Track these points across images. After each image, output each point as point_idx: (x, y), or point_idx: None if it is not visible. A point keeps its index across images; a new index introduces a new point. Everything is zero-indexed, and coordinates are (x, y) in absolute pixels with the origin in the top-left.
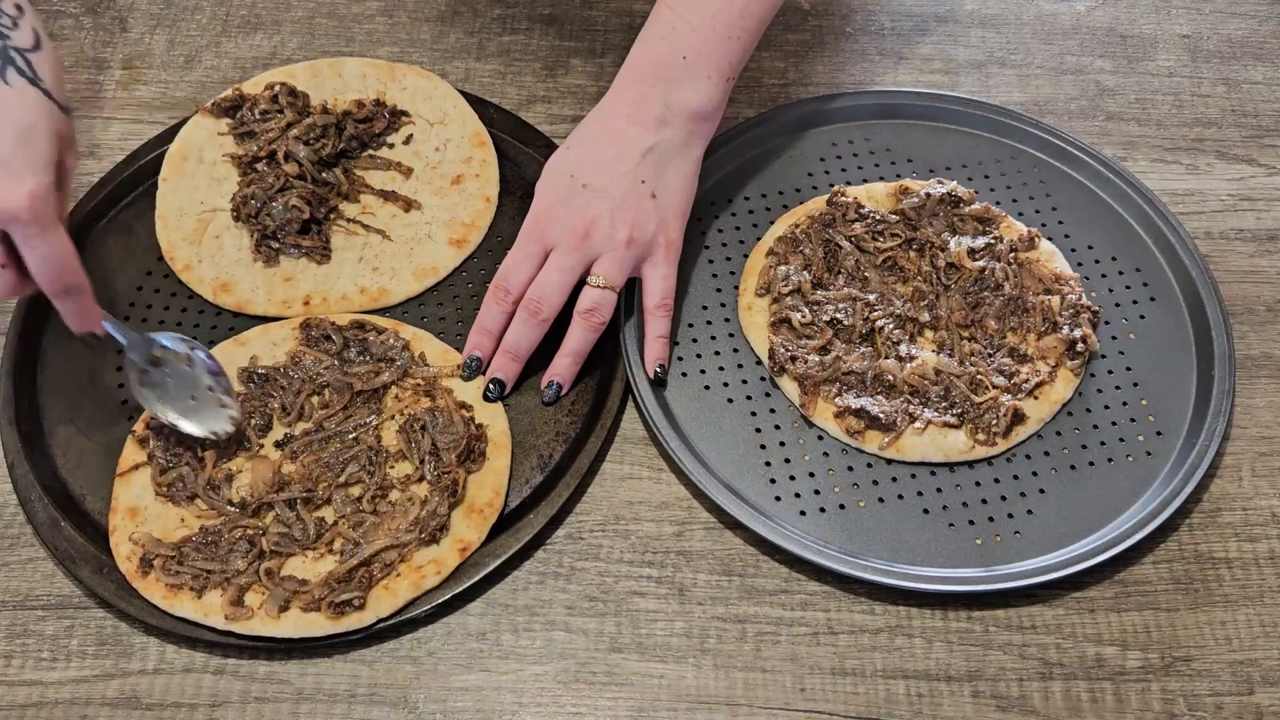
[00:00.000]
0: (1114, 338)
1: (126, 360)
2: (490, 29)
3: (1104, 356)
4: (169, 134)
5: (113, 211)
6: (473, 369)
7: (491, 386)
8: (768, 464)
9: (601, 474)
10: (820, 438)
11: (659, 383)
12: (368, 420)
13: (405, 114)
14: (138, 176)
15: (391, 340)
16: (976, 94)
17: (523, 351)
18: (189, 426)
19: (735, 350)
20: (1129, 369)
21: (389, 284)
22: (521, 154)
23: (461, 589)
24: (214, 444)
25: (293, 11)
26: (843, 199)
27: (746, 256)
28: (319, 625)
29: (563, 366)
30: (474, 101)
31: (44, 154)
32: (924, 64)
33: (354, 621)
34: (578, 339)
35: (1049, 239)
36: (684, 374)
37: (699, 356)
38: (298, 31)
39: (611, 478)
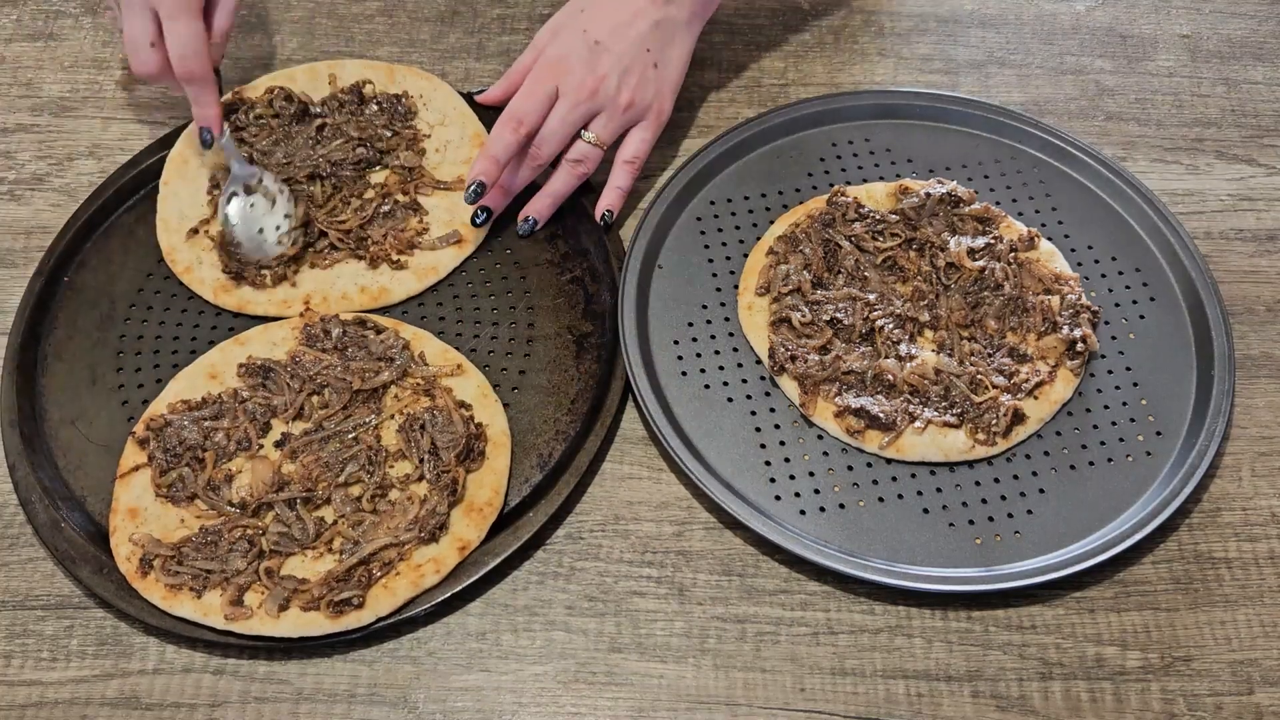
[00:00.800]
0: (1114, 338)
1: (230, 177)
2: (490, 29)
3: (1104, 356)
4: (170, 138)
5: (115, 215)
6: (477, 193)
7: (479, 213)
8: (767, 463)
9: (601, 474)
10: (820, 437)
11: (606, 226)
12: (367, 420)
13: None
14: (139, 180)
15: (391, 340)
16: (976, 94)
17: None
18: (248, 248)
19: (735, 350)
20: (1129, 369)
21: (389, 283)
22: None
23: (461, 587)
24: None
25: (292, 11)
26: (843, 199)
27: (746, 256)
28: (318, 624)
29: (543, 205)
30: (474, 102)
31: None
32: (924, 64)
33: (353, 620)
34: (561, 182)
35: (1049, 239)
36: (684, 373)
37: (699, 356)
38: (297, 32)
39: (611, 477)
